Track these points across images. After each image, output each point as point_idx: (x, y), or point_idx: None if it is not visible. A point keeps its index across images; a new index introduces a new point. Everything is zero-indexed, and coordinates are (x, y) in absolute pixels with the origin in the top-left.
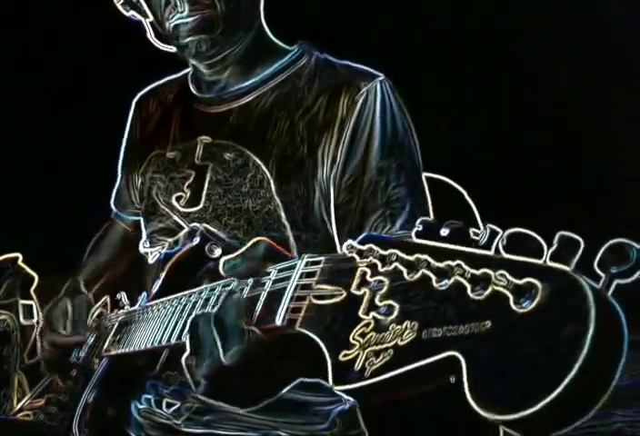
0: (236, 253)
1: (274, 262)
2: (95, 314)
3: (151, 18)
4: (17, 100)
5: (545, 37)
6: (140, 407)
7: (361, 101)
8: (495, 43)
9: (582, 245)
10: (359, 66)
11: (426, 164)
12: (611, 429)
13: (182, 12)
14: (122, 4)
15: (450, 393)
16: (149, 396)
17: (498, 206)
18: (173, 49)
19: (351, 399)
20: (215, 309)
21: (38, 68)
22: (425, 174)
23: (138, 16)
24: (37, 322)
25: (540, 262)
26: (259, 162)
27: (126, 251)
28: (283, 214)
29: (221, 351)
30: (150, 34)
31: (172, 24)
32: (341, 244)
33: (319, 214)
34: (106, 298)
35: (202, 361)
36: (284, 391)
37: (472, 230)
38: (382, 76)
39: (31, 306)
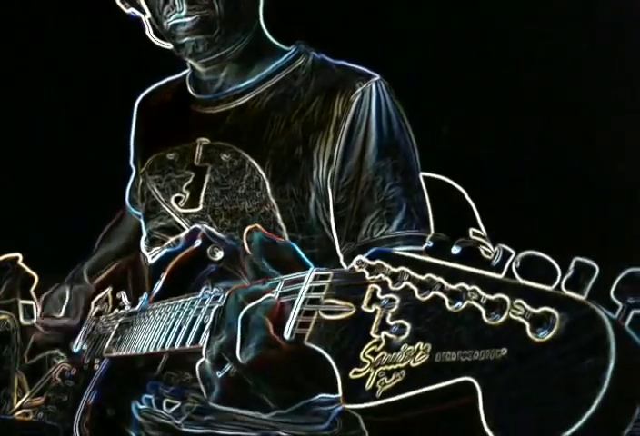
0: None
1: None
2: (96, 311)
3: (149, 15)
4: (16, 100)
5: (547, 37)
6: (140, 407)
7: (356, 101)
8: (496, 42)
9: (597, 272)
10: (355, 67)
11: (426, 164)
12: None
13: (180, 11)
14: (121, 1)
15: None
16: (149, 396)
17: (498, 206)
18: (171, 46)
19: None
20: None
21: (40, 67)
22: (424, 174)
23: (138, 13)
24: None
25: (555, 290)
26: (255, 163)
27: (137, 239)
28: (278, 216)
29: (238, 347)
30: (149, 31)
31: (169, 24)
32: (340, 246)
33: (315, 216)
34: (107, 292)
35: (222, 362)
36: (302, 402)
37: (484, 248)
38: (377, 77)
39: (31, 306)
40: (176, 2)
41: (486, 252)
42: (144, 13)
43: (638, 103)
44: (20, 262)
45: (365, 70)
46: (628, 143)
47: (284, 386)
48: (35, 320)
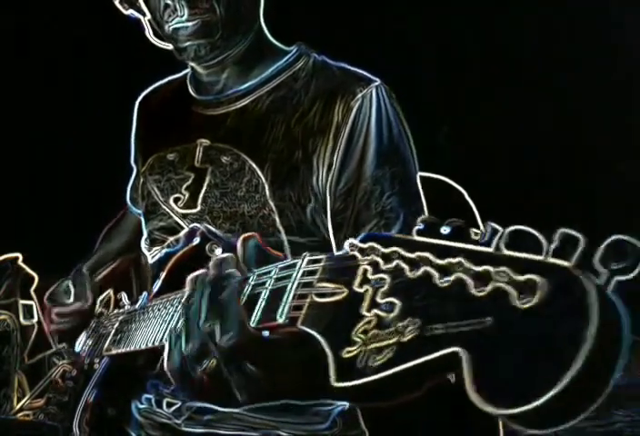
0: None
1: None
2: (98, 311)
3: (149, 16)
4: (18, 100)
5: (544, 38)
6: (140, 407)
7: (356, 107)
8: (495, 44)
9: (582, 242)
10: (356, 70)
11: (426, 165)
12: (611, 429)
13: (181, 16)
14: (120, 3)
15: (449, 393)
16: (150, 396)
17: (498, 206)
18: (171, 46)
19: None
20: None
21: (40, 67)
22: (424, 174)
23: (137, 15)
24: (38, 322)
25: (541, 258)
26: (255, 166)
27: (139, 237)
28: (277, 219)
29: (218, 331)
30: (149, 32)
31: (171, 28)
32: (338, 250)
33: (313, 220)
34: (109, 293)
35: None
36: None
37: (472, 229)
38: (378, 81)
39: (31, 306)
40: (177, 6)
41: (475, 233)
42: (143, 14)
43: (638, 102)
44: (20, 262)
45: (366, 74)
46: (628, 143)
47: (258, 380)
48: (35, 319)
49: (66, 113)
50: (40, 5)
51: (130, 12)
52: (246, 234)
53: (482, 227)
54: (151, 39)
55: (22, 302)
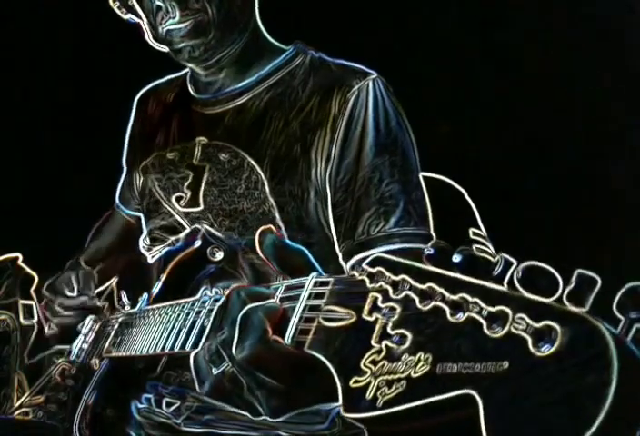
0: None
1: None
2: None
3: (146, 21)
4: (16, 100)
5: (545, 36)
6: (140, 406)
7: (353, 99)
8: (496, 41)
9: (599, 284)
10: (353, 65)
11: (426, 164)
12: None
13: (174, 17)
14: (118, 8)
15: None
16: (149, 396)
17: (498, 206)
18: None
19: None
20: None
21: (40, 67)
22: (424, 174)
23: (136, 19)
24: (38, 322)
25: (557, 302)
26: (253, 163)
27: (127, 239)
28: (277, 215)
29: (234, 343)
30: (148, 36)
31: (164, 30)
32: (339, 244)
33: (314, 215)
34: (107, 291)
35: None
36: (294, 412)
37: (484, 256)
38: (374, 74)
39: (31, 306)
40: (169, 8)
41: (487, 261)
42: (140, 18)
43: (639, 102)
44: (20, 262)
45: (363, 68)
46: (628, 143)
47: (275, 394)
48: (35, 319)
49: (66, 114)
50: (40, 6)
51: (129, 16)
52: (262, 228)
53: (483, 229)
54: (150, 43)
55: (22, 302)
